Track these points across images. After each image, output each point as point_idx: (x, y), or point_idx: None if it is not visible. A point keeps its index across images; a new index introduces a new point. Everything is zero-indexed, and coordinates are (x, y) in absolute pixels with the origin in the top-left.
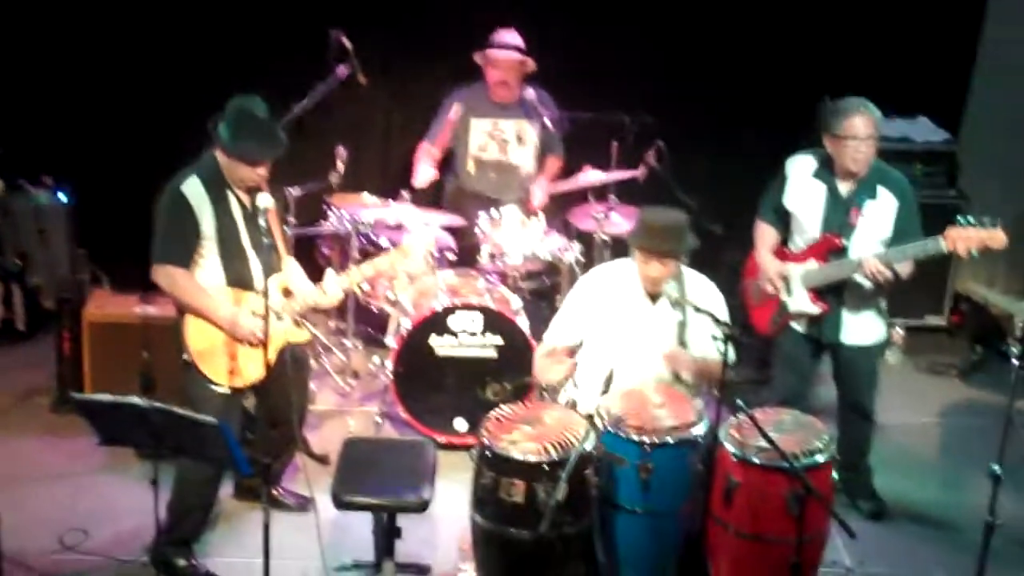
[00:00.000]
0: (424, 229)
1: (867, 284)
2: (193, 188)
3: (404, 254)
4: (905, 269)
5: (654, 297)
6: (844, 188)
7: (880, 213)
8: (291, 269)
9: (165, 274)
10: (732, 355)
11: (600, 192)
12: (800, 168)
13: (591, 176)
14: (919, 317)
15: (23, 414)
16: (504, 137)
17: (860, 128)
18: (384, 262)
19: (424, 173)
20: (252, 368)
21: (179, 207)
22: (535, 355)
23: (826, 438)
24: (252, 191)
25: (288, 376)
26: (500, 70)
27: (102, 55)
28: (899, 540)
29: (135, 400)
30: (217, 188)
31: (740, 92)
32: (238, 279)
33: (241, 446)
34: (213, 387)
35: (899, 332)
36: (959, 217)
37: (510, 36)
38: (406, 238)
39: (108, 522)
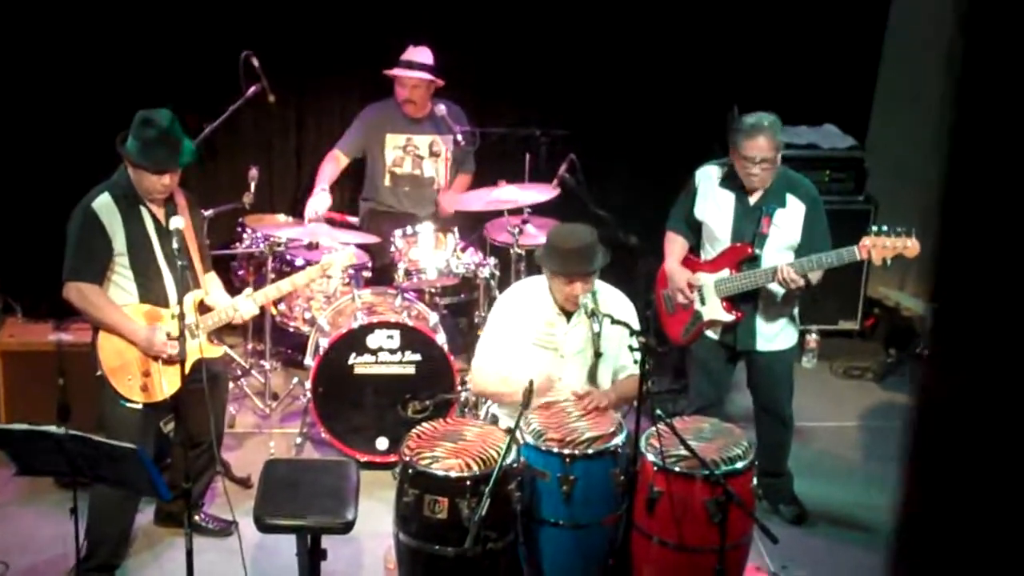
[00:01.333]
0: (343, 247)
1: (780, 291)
2: (104, 205)
3: (323, 270)
4: (816, 276)
5: (568, 312)
6: (753, 197)
7: (790, 221)
8: (209, 284)
9: (76, 291)
10: (648, 364)
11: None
12: (708, 178)
13: (505, 194)
14: (833, 322)
15: None
16: (418, 152)
17: (758, 151)
18: (302, 278)
19: (320, 202)
20: (166, 384)
21: (90, 224)
22: (477, 382)
23: (745, 444)
24: (168, 205)
25: (204, 393)
26: (406, 88)
27: (5, 82)
28: (821, 543)
29: (51, 429)
30: (129, 204)
31: (652, 103)
32: (152, 296)
33: (160, 471)
34: (127, 404)
35: (814, 337)
36: (874, 226)
37: (419, 54)
38: (325, 255)
39: (28, 553)
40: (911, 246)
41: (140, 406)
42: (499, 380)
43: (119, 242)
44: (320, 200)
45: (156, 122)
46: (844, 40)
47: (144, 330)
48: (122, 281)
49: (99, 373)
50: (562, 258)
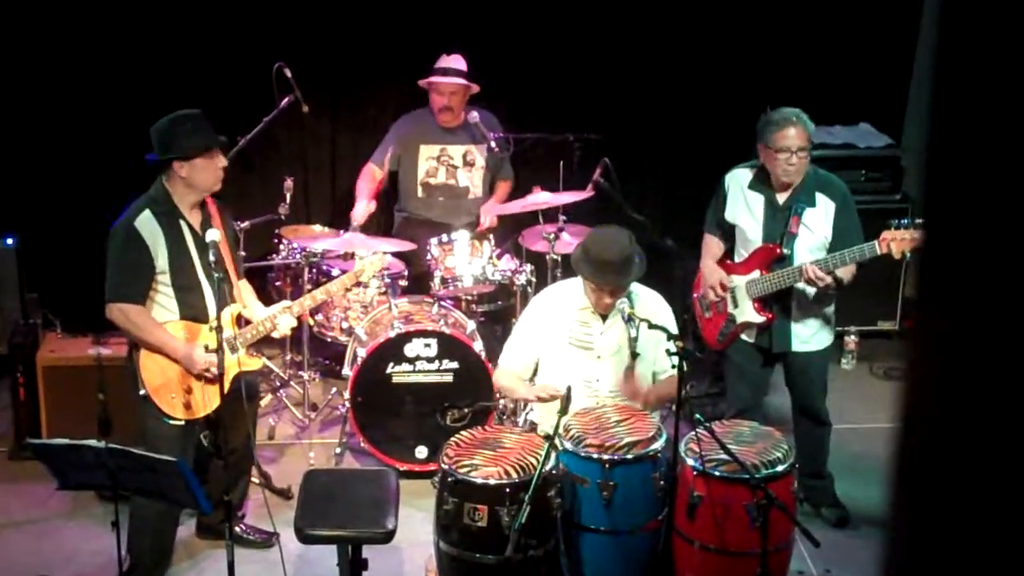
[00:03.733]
0: (375, 254)
1: (810, 290)
2: (146, 222)
3: (356, 276)
4: (846, 274)
5: (605, 314)
6: (782, 197)
7: (820, 219)
8: (244, 295)
9: (120, 312)
10: (686, 368)
11: (550, 212)
12: (737, 181)
13: (540, 198)
14: (872, 323)
15: None
16: (452, 162)
17: (792, 141)
18: (336, 286)
19: (361, 210)
20: (207, 400)
21: (132, 243)
22: (497, 378)
23: (785, 447)
24: (204, 216)
25: (242, 405)
26: (443, 96)
27: (43, 97)
28: (864, 546)
29: (92, 443)
30: (170, 220)
31: (685, 105)
32: (192, 312)
33: (200, 484)
34: (169, 421)
35: (853, 339)
36: (893, 220)
37: (453, 61)
38: (358, 261)
39: (71, 566)
40: None
41: (183, 422)
42: (514, 379)
43: (161, 260)
44: (360, 208)
45: (186, 114)
46: (878, 38)
47: (186, 347)
48: (163, 299)
49: (142, 392)
50: (596, 267)
